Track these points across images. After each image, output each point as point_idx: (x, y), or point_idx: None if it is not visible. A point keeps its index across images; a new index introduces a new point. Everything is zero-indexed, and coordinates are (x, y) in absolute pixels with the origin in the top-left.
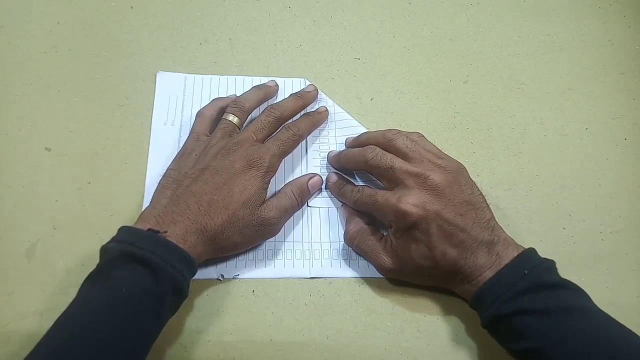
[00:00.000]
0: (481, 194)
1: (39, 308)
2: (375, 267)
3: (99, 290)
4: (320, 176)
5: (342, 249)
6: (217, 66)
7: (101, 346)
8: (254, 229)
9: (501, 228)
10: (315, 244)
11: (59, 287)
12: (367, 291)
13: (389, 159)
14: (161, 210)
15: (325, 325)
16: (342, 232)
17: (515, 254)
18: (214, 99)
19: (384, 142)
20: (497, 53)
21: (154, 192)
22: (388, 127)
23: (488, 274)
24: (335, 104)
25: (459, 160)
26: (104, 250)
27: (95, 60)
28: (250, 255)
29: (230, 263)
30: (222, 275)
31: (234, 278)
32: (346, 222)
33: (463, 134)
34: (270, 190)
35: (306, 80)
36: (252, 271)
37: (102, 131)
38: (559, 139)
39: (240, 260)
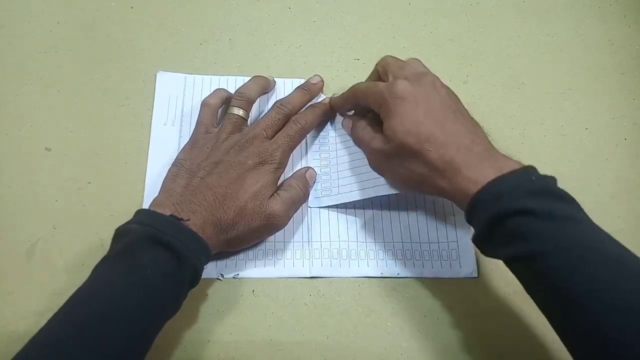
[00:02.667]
0: (467, 110)
1: (39, 308)
2: (366, 155)
3: (122, 269)
4: (313, 169)
5: (342, 249)
6: (217, 66)
7: (123, 325)
8: (262, 222)
9: None
10: (315, 244)
11: (59, 287)
12: (367, 291)
13: (402, 62)
14: (178, 198)
15: (325, 325)
16: (342, 232)
17: (518, 166)
18: (216, 89)
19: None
20: (497, 53)
21: (164, 180)
22: None
23: (490, 173)
24: None
25: None
26: (122, 231)
27: (95, 60)
28: (250, 255)
29: (230, 263)
30: (222, 275)
31: (234, 278)
32: (348, 119)
33: None
34: None
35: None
36: (252, 271)
37: (102, 131)
38: (559, 139)
39: (240, 260)
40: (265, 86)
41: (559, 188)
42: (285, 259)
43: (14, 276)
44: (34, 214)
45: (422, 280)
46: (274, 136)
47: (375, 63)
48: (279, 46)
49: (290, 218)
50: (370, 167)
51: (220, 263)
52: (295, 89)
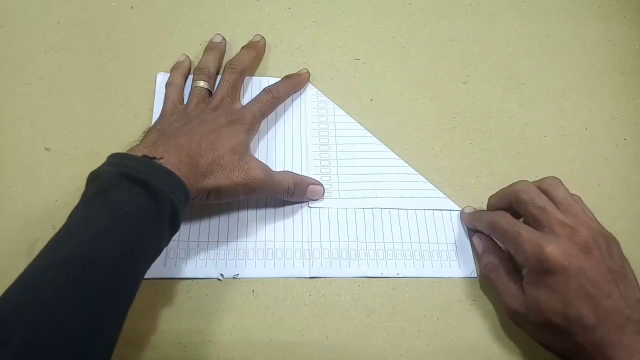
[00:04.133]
0: (632, 271)
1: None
2: (502, 305)
3: (98, 209)
4: (323, 187)
5: (342, 249)
6: None
7: (104, 261)
8: (240, 177)
9: None
10: (315, 244)
11: None
12: (367, 291)
13: (543, 199)
14: (152, 143)
15: (325, 325)
16: (342, 232)
17: None
18: (172, 68)
19: (542, 185)
20: (497, 53)
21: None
22: (387, 128)
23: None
24: (335, 105)
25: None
26: (96, 174)
27: (95, 60)
28: (250, 255)
29: (230, 263)
30: (222, 275)
31: (234, 278)
32: (482, 252)
33: (463, 135)
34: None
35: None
36: (252, 271)
37: (102, 131)
38: (559, 139)
39: (240, 260)
40: (221, 55)
41: None
42: (285, 259)
43: (14, 276)
44: (34, 214)
45: (422, 280)
46: (237, 98)
47: (375, 63)
48: (279, 46)
49: (268, 191)
50: (506, 316)
51: (220, 263)
52: (241, 48)
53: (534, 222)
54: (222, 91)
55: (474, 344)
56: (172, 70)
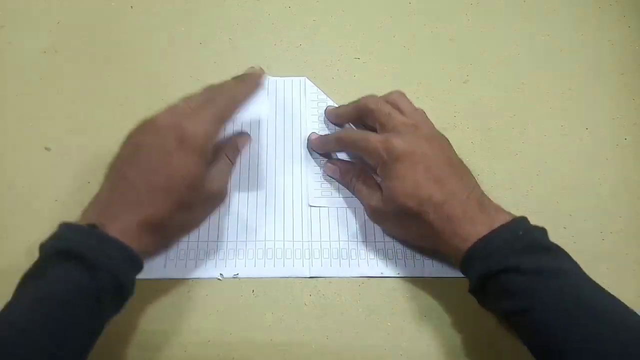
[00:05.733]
0: (469, 169)
1: None
2: (364, 207)
3: (31, 289)
4: (248, 134)
5: (342, 249)
6: (217, 66)
7: (30, 346)
8: (203, 206)
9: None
10: (315, 244)
11: None
12: (367, 291)
13: (388, 108)
14: (102, 201)
15: (325, 325)
16: (342, 232)
17: (509, 218)
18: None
19: (389, 98)
20: (497, 53)
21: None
22: None
23: (481, 230)
24: (335, 104)
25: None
26: (40, 248)
27: (95, 60)
28: (250, 255)
29: (230, 263)
30: (222, 275)
31: (233, 278)
32: (341, 174)
33: (463, 134)
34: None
35: (306, 80)
36: (252, 271)
37: (102, 131)
38: (559, 139)
39: (240, 260)
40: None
41: (546, 240)
42: (285, 259)
43: (14, 276)
44: (34, 214)
45: (422, 280)
46: (199, 112)
47: (375, 63)
48: (279, 46)
49: (229, 188)
50: (369, 218)
51: (220, 263)
52: (231, 79)
53: (381, 128)
54: (183, 99)
55: (474, 344)
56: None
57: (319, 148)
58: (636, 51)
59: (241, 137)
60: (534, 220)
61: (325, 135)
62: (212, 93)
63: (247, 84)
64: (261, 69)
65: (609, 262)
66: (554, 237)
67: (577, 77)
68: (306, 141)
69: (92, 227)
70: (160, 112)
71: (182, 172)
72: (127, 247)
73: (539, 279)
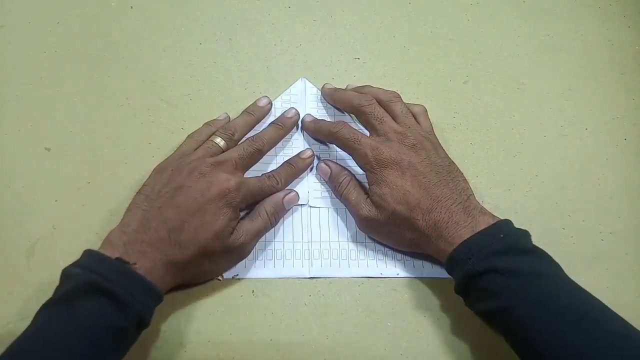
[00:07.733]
0: (458, 169)
1: (39, 308)
2: (355, 217)
3: (62, 318)
4: (296, 192)
5: (342, 249)
6: (217, 66)
7: None
8: (225, 257)
9: (477, 201)
10: (315, 244)
11: None
12: (367, 291)
13: (381, 112)
14: (131, 236)
15: (325, 325)
16: (342, 232)
17: (492, 221)
18: (205, 124)
19: (384, 99)
20: (497, 53)
21: (126, 210)
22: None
23: (464, 233)
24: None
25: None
26: (66, 275)
27: (95, 60)
28: (250, 255)
29: None
30: (222, 275)
31: (233, 278)
32: (332, 175)
33: (463, 134)
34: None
35: (306, 81)
36: (252, 271)
37: (102, 131)
38: (559, 139)
39: None
40: (255, 122)
41: (527, 242)
42: (285, 259)
43: (14, 276)
44: (34, 214)
45: (422, 280)
46: (244, 170)
47: (375, 63)
48: (279, 46)
49: (254, 246)
50: (359, 228)
51: None
52: (269, 125)
53: (372, 131)
54: (232, 154)
55: (473, 344)
56: (204, 125)
57: (311, 131)
58: (636, 51)
59: (289, 196)
60: (533, 221)
61: (320, 121)
62: (257, 150)
63: (284, 131)
64: (297, 112)
65: (608, 262)
66: (553, 237)
67: (577, 77)
68: (306, 142)
69: (121, 261)
70: (203, 157)
71: (213, 221)
72: (154, 286)
73: (518, 280)
